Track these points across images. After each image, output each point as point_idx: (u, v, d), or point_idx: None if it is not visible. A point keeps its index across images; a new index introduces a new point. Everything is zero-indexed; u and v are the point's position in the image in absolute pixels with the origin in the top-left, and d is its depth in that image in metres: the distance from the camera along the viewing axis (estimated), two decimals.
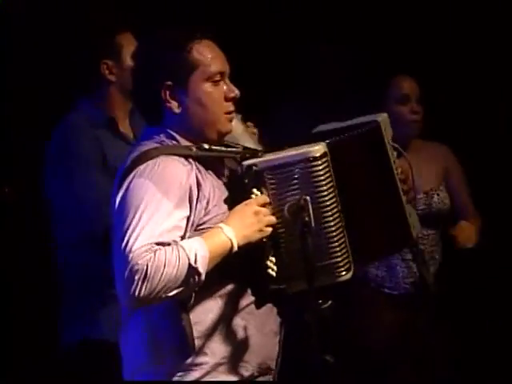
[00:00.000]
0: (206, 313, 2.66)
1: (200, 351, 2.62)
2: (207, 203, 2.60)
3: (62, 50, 4.89)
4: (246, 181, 2.63)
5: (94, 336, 3.79)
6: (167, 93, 2.65)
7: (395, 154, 2.97)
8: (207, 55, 2.70)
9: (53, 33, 5.24)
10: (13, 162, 5.05)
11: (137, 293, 2.38)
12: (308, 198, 2.51)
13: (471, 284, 5.77)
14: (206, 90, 2.69)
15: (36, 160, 4.11)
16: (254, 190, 2.59)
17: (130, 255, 2.41)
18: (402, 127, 4.39)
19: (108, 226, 2.83)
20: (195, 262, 2.40)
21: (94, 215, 3.54)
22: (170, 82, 2.64)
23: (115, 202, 2.61)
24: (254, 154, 2.79)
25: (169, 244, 2.43)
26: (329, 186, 2.63)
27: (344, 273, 2.68)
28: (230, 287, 2.68)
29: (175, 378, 2.64)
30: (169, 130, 2.73)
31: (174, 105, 2.68)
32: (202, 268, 2.42)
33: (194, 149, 2.67)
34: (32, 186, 4.43)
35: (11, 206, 5.00)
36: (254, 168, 2.60)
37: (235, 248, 2.52)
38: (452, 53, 6.09)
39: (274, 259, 2.69)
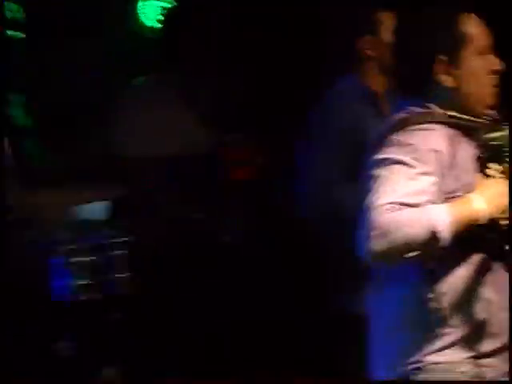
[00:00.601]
0: (453, 283, 2.72)
1: (446, 322, 2.68)
2: (459, 171, 2.63)
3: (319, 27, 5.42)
4: (484, 154, 2.67)
5: None
6: (441, 67, 2.74)
7: None
8: (477, 28, 2.75)
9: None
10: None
11: (376, 247, 2.50)
12: None
13: None
14: (479, 64, 2.74)
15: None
16: (491, 164, 2.64)
17: (373, 211, 2.53)
18: None
19: None
20: (438, 226, 2.45)
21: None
22: (443, 57, 2.72)
23: (367, 164, 2.76)
24: (498, 127, 2.79)
25: (414, 206, 2.51)
26: None
27: None
28: (477, 258, 2.68)
29: (421, 349, 2.75)
30: (427, 104, 2.83)
31: (447, 79, 2.76)
32: (445, 234, 2.45)
33: (449, 117, 2.77)
34: None
35: None
36: (492, 142, 2.67)
37: (482, 220, 2.55)
38: None
39: None
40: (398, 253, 2.56)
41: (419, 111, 2.76)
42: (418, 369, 2.81)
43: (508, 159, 2.82)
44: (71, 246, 4.56)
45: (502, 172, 2.73)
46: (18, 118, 5.84)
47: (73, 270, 4.58)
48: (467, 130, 2.78)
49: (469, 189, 2.63)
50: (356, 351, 3.38)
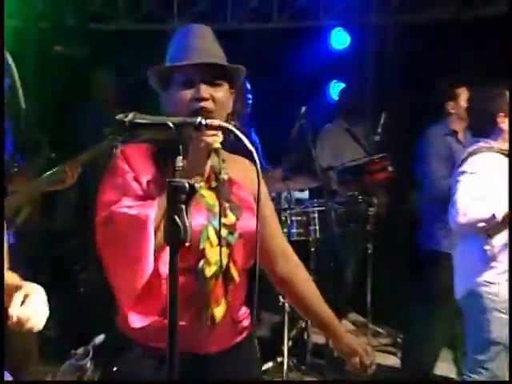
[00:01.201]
0: (499, 239, 4.02)
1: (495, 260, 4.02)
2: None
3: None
4: None
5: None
6: (501, 120, 4.11)
7: None
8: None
9: None
10: None
11: (460, 222, 3.98)
12: None
13: None
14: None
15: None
16: None
17: (459, 202, 3.99)
18: None
19: None
20: (496, 214, 3.89)
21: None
22: (502, 114, 4.11)
23: (458, 174, 4.14)
24: None
25: (481, 199, 3.89)
26: None
27: None
28: None
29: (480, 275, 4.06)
30: (489, 140, 4.17)
31: (505, 125, 4.09)
32: (499, 218, 3.91)
33: (500, 149, 4.10)
34: None
35: None
36: None
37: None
38: None
39: None
40: (471, 226, 3.95)
41: (483, 145, 4.15)
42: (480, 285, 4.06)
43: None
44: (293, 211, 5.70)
45: None
46: None
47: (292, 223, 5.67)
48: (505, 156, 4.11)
49: None
50: None
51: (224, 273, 2.31)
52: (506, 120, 4.08)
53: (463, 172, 4.05)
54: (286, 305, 5.48)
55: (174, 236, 1.78)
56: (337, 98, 7.24)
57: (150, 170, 2.31)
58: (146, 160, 2.34)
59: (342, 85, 7.32)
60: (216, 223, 2.27)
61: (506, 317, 3.97)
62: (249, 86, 6.07)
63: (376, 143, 6.35)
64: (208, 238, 2.28)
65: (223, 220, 2.29)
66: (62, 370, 3.18)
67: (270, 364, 5.82)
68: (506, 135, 4.08)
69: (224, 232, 2.30)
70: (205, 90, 2.29)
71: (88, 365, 3.22)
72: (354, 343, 2.63)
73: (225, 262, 2.31)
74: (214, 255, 2.28)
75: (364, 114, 7.46)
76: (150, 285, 2.19)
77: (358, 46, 8.07)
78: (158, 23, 8.39)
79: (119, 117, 1.83)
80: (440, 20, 7.66)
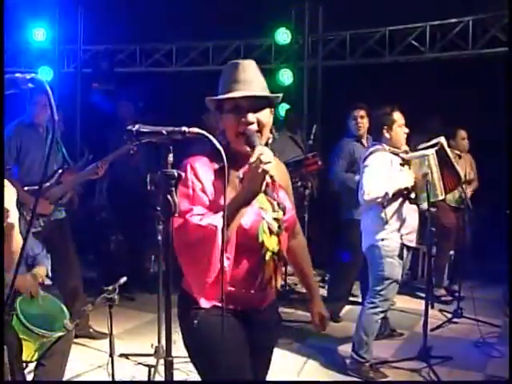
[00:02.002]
0: (391, 209, 4.07)
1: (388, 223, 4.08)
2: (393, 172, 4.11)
3: None
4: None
5: None
6: (384, 131, 4.13)
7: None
8: (398, 115, 4.14)
9: None
10: None
11: (366, 199, 4.01)
12: None
13: None
14: (400, 131, 4.12)
15: None
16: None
17: (362, 190, 4.02)
18: None
19: None
20: (389, 191, 3.99)
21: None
22: (386, 127, 4.12)
23: (363, 166, 4.14)
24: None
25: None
26: None
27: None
28: (401, 200, 4.13)
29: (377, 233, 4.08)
30: (382, 143, 4.16)
31: (388, 135, 4.13)
32: (390, 195, 4.04)
33: (389, 150, 4.10)
34: None
35: None
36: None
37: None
38: None
39: None
40: (372, 201, 3.97)
41: (378, 147, 4.17)
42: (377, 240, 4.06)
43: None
44: None
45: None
46: None
47: None
48: (395, 155, 4.12)
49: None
50: None
51: (277, 255, 2.17)
52: (390, 131, 4.13)
53: (365, 165, 4.08)
54: None
55: (168, 210, 1.75)
56: (283, 115, 7.24)
57: (211, 178, 2.11)
58: (208, 170, 2.12)
59: (287, 106, 7.27)
60: (268, 218, 2.14)
61: (394, 261, 4.05)
62: None
63: (310, 146, 6.32)
64: (264, 232, 2.11)
65: (274, 215, 2.16)
66: (97, 301, 3.16)
67: None
68: (391, 141, 4.14)
69: (275, 225, 2.15)
70: (251, 117, 2.10)
71: (115, 297, 3.15)
72: (322, 308, 2.50)
73: (277, 248, 2.16)
74: (271, 244, 2.13)
75: (301, 126, 7.68)
76: (215, 278, 2.01)
77: (298, 83, 8.27)
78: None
79: (129, 127, 1.78)
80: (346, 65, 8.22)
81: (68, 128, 6.15)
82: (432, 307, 5.47)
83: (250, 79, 2.14)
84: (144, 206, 5.56)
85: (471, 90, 6.73)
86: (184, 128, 1.77)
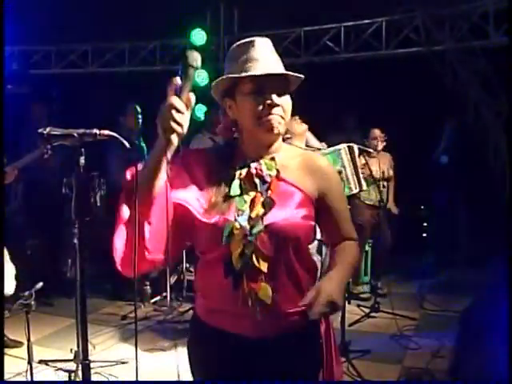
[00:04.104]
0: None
1: None
2: None
3: None
4: None
5: None
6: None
7: None
8: None
9: None
10: None
11: None
12: None
13: None
14: None
15: None
16: None
17: None
18: None
19: None
20: None
21: None
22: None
23: None
24: None
25: None
26: None
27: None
28: None
29: None
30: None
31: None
32: None
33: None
34: None
35: None
36: None
37: None
38: None
39: None
40: None
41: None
42: None
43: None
44: None
45: None
46: None
47: None
48: None
49: None
50: None
51: (253, 266, 1.70)
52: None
53: None
54: None
55: (81, 213, 1.70)
56: (199, 116, 7.28)
57: (199, 168, 1.79)
58: (201, 160, 1.82)
59: (204, 108, 7.29)
60: (241, 219, 1.71)
61: (313, 257, 3.98)
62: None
63: None
64: (231, 234, 1.69)
65: (253, 214, 1.72)
66: (14, 308, 3.10)
67: (158, 297, 5.83)
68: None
69: (246, 225, 1.71)
70: (276, 98, 1.74)
71: (32, 303, 3.10)
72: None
73: (253, 257, 1.69)
74: (238, 250, 1.70)
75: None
76: (218, 284, 1.74)
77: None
78: None
79: (40, 131, 1.71)
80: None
81: None
82: (349, 303, 5.57)
83: (269, 58, 1.79)
84: (60, 210, 5.47)
85: (386, 89, 6.78)
86: (95, 130, 1.71)
